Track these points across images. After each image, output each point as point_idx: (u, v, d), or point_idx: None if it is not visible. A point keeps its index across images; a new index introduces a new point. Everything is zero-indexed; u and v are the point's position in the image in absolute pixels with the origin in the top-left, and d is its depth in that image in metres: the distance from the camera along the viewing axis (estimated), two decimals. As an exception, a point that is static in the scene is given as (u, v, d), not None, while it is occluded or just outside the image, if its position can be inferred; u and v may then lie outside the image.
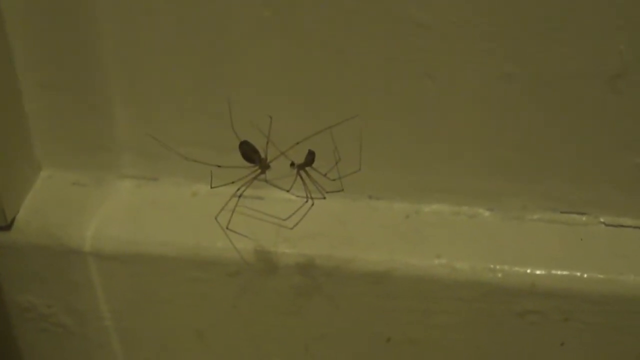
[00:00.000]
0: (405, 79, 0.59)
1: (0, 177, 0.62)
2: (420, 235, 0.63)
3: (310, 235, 0.62)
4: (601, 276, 0.59)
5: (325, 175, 0.56)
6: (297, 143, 0.55)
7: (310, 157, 0.56)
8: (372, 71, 0.59)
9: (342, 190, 0.57)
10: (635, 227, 0.62)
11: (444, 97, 0.59)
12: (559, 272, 0.60)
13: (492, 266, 0.60)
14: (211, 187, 0.57)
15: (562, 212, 0.63)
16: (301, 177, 0.56)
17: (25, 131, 0.65)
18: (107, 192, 0.67)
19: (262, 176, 0.56)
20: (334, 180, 0.56)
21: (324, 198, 0.56)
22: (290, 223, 0.58)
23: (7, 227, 0.64)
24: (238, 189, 0.56)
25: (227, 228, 0.57)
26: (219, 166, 0.57)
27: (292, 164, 0.56)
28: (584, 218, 0.63)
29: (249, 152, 0.56)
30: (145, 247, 0.64)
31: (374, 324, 0.64)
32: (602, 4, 0.54)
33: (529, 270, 0.60)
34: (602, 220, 0.62)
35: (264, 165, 0.56)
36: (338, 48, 0.58)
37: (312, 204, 0.56)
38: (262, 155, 0.56)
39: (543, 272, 0.60)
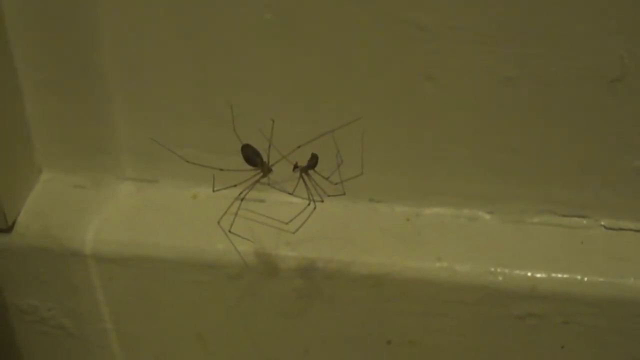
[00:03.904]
0: (406, 82, 0.59)
1: (0, 180, 0.62)
2: (420, 238, 0.63)
3: (311, 238, 0.62)
4: (601, 279, 0.60)
5: (327, 178, 0.56)
6: (299, 146, 0.55)
7: (314, 160, 0.55)
8: (373, 74, 0.59)
9: (344, 194, 0.57)
10: (635, 230, 0.62)
11: (445, 100, 0.59)
12: (559, 275, 0.60)
13: (492, 269, 0.61)
14: (213, 191, 0.57)
15: (562, 216, 0.63)
16: (304, 180, 0.56)
17: (25, 134, 0.65)
18: (107, 195, 0.66)
19: (264, 179, 0.56)
20: (336, 184, 0.56)
21: (322, 201, 0.56)
22: (292, 227, 0.58)
23: (8, 229, 0.64)
24: (240, 193, 0.56)
25: (229, 231, 0.57)
26: (221, 169, 0.57)
27: (296, 166, 0.56)
28: (584, 221, 0.63)
29: (251, 155, 0.56)
30: (145, 250, 0.64)
31: (375, 326, 0.64)
32: (602, 8, 0.54)
33: (529, 273, 0.60)
34: (602, 223, 0.63)
35: (265, 169, 0.56)
36: (339, 51, 0.58)
37: (315, 207, 0.56)
38: (264, 159, 0.56)
39: (543, 275, 0.60)
